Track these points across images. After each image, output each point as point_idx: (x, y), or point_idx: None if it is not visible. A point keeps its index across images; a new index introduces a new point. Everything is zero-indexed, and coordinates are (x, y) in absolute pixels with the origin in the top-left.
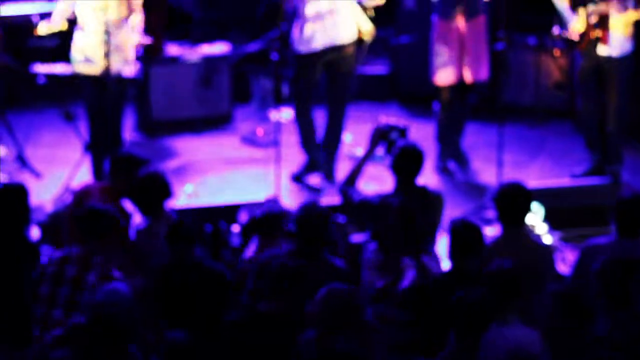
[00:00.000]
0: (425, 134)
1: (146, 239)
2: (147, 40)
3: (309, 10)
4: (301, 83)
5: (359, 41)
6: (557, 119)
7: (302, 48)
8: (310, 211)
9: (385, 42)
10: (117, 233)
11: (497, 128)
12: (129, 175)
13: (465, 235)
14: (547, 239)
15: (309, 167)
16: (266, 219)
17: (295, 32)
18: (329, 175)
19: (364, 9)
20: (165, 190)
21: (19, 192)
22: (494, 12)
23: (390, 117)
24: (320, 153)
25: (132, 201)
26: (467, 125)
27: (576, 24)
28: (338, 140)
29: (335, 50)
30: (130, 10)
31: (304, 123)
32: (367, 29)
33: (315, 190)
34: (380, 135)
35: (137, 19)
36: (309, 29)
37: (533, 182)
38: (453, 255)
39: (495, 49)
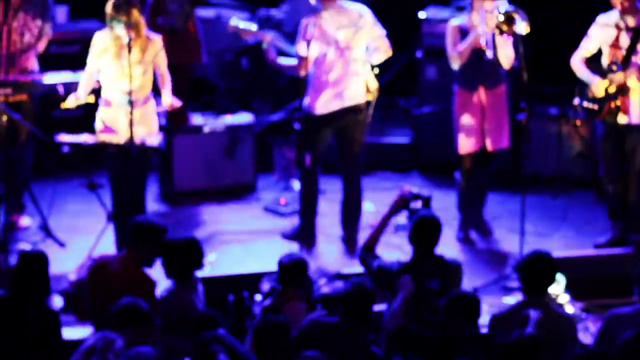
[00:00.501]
0: (447, 203)
1: (173, 304)
2: (176, 103)
3: (329, 77)
4: (312, 146)
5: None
6: (579, 189)
7: (317, 110)
8: (360, 291)
9: (407, 111)
10: (147, 324)
11: (520, 198)
12: (150, 243)
13: (463, 306)
14: (569, 309)
15: (299, 235)
16: (294, 265)
17: (311, 94)
18: (350, 246)
19: (372, 66)
20: (199, 257)
21: (39, 260)
22: (515, 82)
23: (413, 186)
24: (314, 221)
25: (164, 263)
26: (489, 195)
27: (597, 88)
28: (358, 209)
29: (348, 112)
30: (162, 79)
31: (307, 187)
32: (374, 87)
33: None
34: (403, 204)
35: (167, 88)
36: (327, 93)
37: (556, 251)
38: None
39: (517, 119)
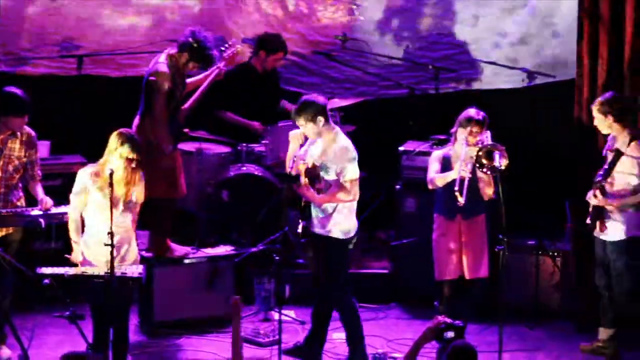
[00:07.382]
0: None
1: None
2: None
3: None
4: (342, 269)
5: None
6: (556, 320)
7: (345, 235)
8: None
9: (386, 243)
10: None
11: (497, 328)
12: None
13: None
14: None
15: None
16: None
17: (338, 221)
18: None
19: None
20: None
21: None
22: (494, 213)
23: (445, 317)
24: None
25: None
26: (468, 325)
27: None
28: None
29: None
30: (136, 211)
31: (349, 312)
32: None
33: None
34: (435, 333)
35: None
36: (351, 219)
37: None
38: None
39: (495, 250)
